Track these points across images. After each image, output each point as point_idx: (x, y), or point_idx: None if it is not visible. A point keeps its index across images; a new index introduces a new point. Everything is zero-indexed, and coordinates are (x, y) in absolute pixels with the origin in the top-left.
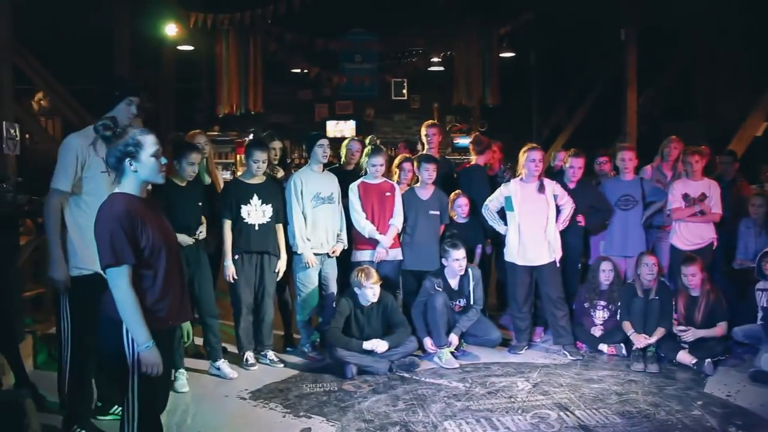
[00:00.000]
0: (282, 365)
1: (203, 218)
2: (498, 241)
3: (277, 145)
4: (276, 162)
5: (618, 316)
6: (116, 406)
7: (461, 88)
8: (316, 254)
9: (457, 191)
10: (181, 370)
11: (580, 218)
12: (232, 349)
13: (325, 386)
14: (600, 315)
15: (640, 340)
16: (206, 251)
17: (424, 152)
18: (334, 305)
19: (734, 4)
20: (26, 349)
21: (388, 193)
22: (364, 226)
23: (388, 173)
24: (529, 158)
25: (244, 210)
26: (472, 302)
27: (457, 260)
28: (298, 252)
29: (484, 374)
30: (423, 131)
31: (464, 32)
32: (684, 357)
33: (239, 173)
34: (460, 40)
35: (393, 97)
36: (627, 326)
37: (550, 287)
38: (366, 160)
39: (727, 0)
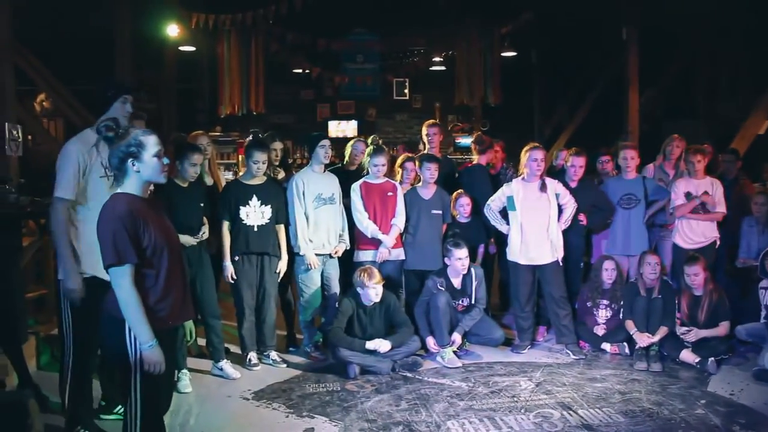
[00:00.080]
0: (285, 365)
1: (205, 219)
2: (502, 240)
3: (277, 145)
4: (277, 163)
5: (621, 315)
6: (119, 406)
7: (463, 87)
8: (318, 255)
9: (459, 191)
10: (184, 371)
11: (582, 217)
12: (235, 349)
13: (328, 386)
14: (603, 314)
15: (643, 339)
16: (208, 252)
17: (426, 152)
18: (336, 305)
19: (735, 4)
20: (29, 349)
21: (390, 193)
22: (367, 226)
23: (390, 173)
24: (531, 157)
25: (243, 211)
26: (474, 301)
27: (459, 259)
28: (301, 253)
29: (487, 374)
30: (424, 131)
31: (465, 32)
32: (687, 356)
33: (241, 173)
34: (462, 40)
35: (395, 97)
36: (630, 325)
37: (553, 286)
38: (368, 160)
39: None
